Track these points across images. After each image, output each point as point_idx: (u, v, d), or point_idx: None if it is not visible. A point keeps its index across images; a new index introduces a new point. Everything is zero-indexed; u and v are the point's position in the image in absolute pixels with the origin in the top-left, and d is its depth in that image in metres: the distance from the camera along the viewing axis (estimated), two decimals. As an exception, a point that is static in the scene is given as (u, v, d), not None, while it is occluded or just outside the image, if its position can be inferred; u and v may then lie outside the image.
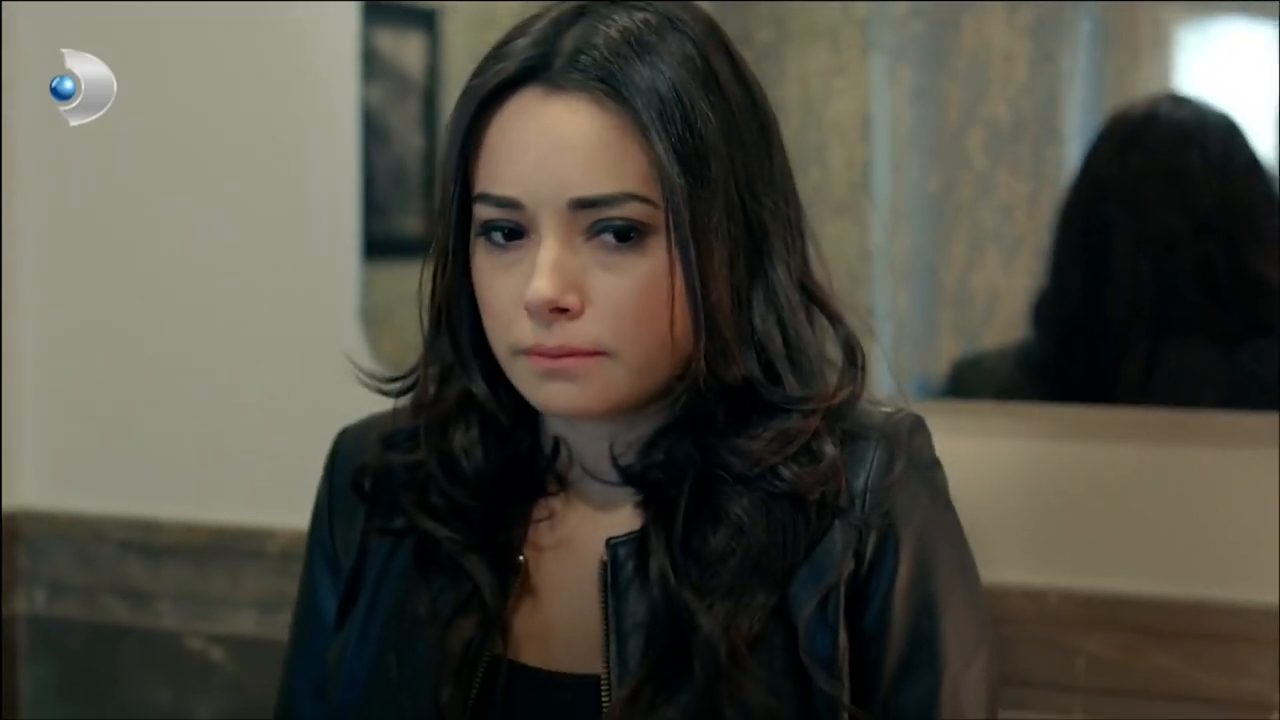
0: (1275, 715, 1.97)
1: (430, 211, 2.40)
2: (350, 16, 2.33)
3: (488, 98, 1.35)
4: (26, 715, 2.59)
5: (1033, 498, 2.02)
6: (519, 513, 1.44)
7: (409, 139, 2.40)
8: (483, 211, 1.35)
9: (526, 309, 1.33)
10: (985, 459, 1.97)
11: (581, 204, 1.32)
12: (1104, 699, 2.04)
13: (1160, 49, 2.02)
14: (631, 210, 1.32)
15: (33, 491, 2.60)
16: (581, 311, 1.33)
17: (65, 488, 2.59)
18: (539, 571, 1.44)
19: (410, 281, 2.48)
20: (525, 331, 1.34)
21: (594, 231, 1.33)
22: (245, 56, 2.45)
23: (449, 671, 1.40)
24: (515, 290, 1.34)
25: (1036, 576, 2.01)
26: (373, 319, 2.34)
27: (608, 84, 1.32)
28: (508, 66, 1.34)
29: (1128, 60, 2.03)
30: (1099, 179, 2.02)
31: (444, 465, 1.44)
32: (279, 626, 2.38)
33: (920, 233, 2.08)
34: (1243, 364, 1.99)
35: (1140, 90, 2.02)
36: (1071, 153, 2.02)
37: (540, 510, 1.44)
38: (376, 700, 1.46)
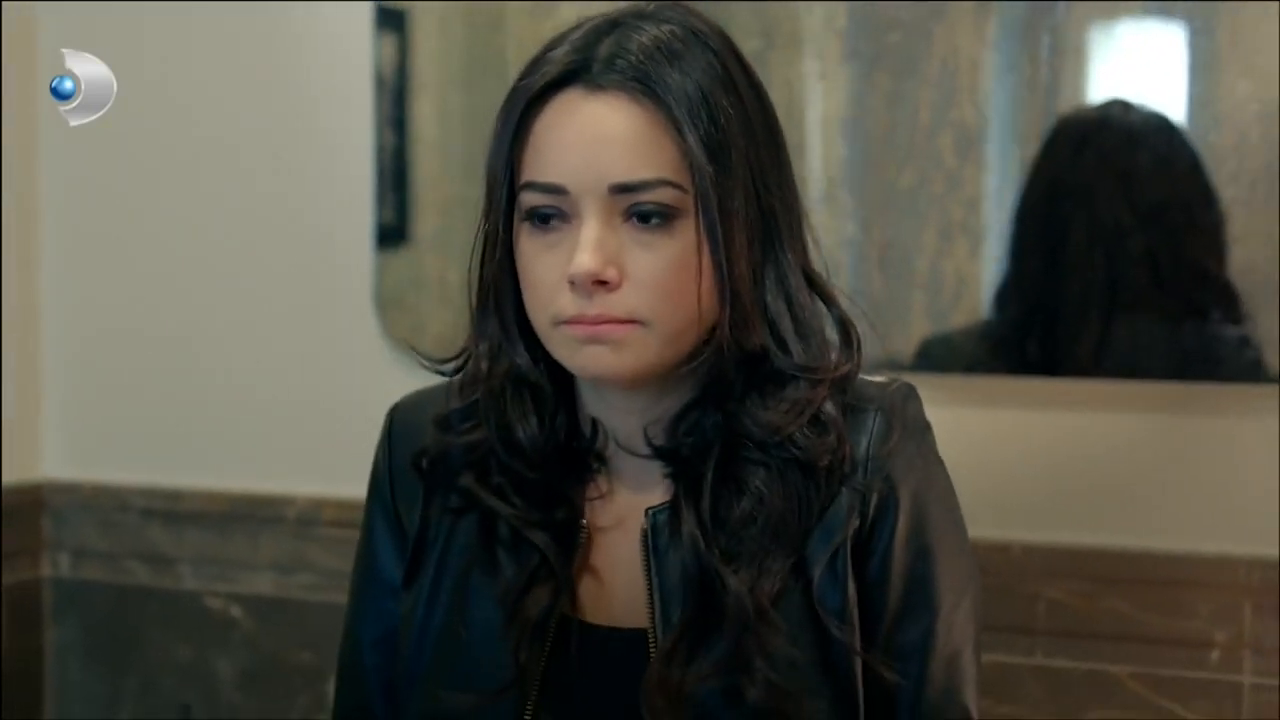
0: (1216, 652, 2.09)
1: (401, 204, 2.48)
2: (364, 19, 2.42)
3: (534, 98, 1.44)
4: (52, 673, 2.67)
5: (997, 460, 2.11)
6: (573, 490, 1.52)
7: (381, 136, 2.45)
8: (529, 198, 1.44)
9: (571, 281, 1.41)
10: (954, 427, 1.97)
11: (621, 189, 1.41)
12: (1061, 640, 2.14)
13: (1109, 60, 2.12)
14: (664, 195, 1.41)
15: (57, 464, 2.67)
16: (619, 284, 1.41)
17: (89, 461, 2.66)
18: (595, 541, 1.52)
19: (410, 270, 2.52)
20: (567, 303, 1.42)
21: (630, 214, 1.42)
22: (266, 59, 2.53)
23: (526, 635, 1.48)
24: (558, 268, 1.42)
25: (1001, 531, 2.10)
26: (385, 304, 2.44)
27: (643, 83, 1.41)
28: (551, 70, 1.44)
29: (1079, 69, 2.12)
30: (1055, 177, 2.12)
31: (503, 438, 1.51)
32: (295, 587, 2.49)
33: (895, 223, 2.16)
34: (1183, 341, 2.09)
35: (1091, 97, 2.12)
36: (1031, 152, 2.11)
37: (593, 490, 1.53)
38: (448, 661, 1.53)
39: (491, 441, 1.51)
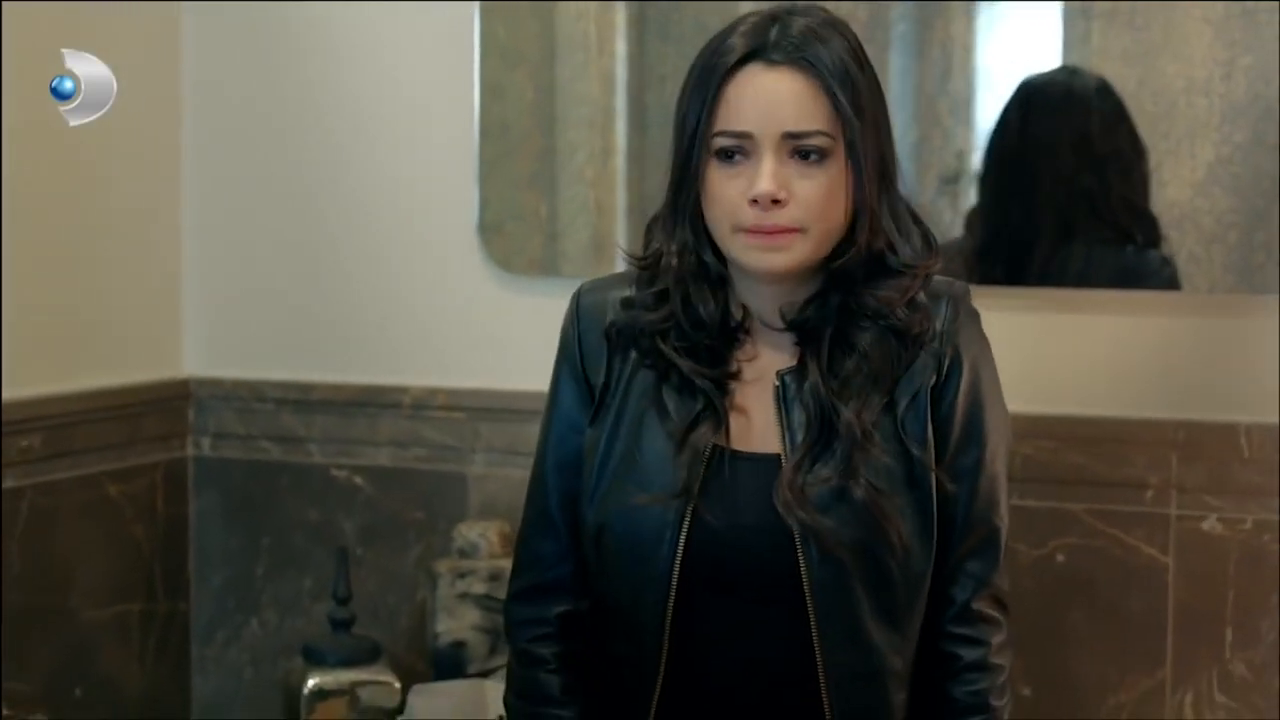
0: (1150, 492, 2.53)
1: (499, 153, 2.85)
2: (472, 8, 2.84)
3: (727, 71, 1.88)
4: (195, 534, 3.05)
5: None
6: (729, 354, 1.96)
7: (486, 98, 2.83)
8: (721, 141, 1.87)
9: (755, 200, 1.84)
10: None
11: (790, 135, 1.86)
12: (1033, 485, 2.55)
13: (1072, 44, 2.57)
14: (819, 141, 1.86)
15: (198, 364, 3.03)
16: (788, 203, 1.85)
17: (228, 360, 3.02)
18: (741, 391, 1.96)
19: (508, 203, 2.89)
20: (747, 215, 1.86)
21: (794, 153, 1.86)
22: (395, 38, 2.90)
23: (693, 458, 1.91)
24: (739, 191, 1.86)
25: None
26: (486, 231, 2.87)
27: (806, 60, 1.86)
28: (736, 51, 1.88)
29: (1049, 52, 2.57)
30: (1011, 131, 2.56)
31: (687, 312, 1.93)
32: (410, 459, 2.90)
33: (904, 169, 2.39)
34: (1118, 260, 2.55)
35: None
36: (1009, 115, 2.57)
37: (741, 355, 1.96)
38: (627, 478, 1.94)
39: (677, 316, 1.94)
